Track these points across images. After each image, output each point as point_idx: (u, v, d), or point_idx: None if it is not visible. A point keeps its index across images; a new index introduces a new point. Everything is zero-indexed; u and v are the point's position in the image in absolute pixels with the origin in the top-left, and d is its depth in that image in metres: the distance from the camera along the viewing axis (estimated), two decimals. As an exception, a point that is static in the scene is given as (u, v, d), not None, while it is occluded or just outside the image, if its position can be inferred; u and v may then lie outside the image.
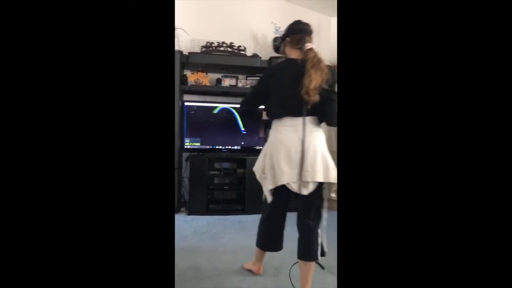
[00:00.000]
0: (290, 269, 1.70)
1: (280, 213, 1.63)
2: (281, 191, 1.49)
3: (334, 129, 3.17)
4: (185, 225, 2.72)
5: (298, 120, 1.44)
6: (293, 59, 1.52)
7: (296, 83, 1.40)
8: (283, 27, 3.24)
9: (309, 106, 1.40)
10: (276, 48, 1.69)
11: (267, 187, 1.49)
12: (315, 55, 1.47)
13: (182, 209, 3.18)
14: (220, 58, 3.13)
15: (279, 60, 1.64)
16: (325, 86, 1.41)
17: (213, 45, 3.16)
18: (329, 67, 1.45)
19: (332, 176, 1.44)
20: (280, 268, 1.87)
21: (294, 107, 1.43)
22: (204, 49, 3.16)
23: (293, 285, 1.63)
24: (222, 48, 3.17)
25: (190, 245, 2.28)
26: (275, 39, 1.69)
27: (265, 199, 1.55)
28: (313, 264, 1.53)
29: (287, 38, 1.58)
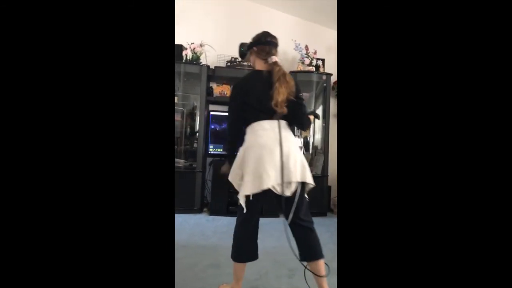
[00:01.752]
0: (305, 270, 1.61)
1: (256, 220, 1.46)
2: (259, 197, 1.36)
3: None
4: (207, 225, 2.69)
5: (275, 123, 1.38)
6: (259, 71, 1.47)
7: (265, 94, 1.36)
8: (302, 43, 3.24)
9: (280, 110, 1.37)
10: (242, 55, 1.61)
11: (248, 192, 1.34)
12: (280, 68, 1.42)
13: (205, 209, 3.16)
14: (243, 72, 3.11)
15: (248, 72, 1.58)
16: (292, 97, 1.37)
17: (237, 60, 3.17)
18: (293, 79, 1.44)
19: (308, 175, 1.38)
20: (295, 270, 1.80)
21: (269, 111, 1.37)
22: (229, 64, 3.17)
23: (308, 285, 1.51)
24: (245, 63, 3.17)
25: (211, 243, 2.24)
26: (242, 45, 1.60)
27: (241, 208, 1.40)
28: (323, 262, 1.42)
29: (254, 48, 1.51)
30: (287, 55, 3.41)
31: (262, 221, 2.87)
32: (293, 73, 3.12)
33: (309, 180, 1.38)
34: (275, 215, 3.01)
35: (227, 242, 2.26)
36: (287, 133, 1.40)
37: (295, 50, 3.26)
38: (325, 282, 1.43)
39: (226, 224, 2.71)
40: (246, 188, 1.35)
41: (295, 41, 3.24)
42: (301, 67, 3.25)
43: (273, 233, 2.52)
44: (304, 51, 3.25)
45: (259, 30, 3.78)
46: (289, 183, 1.33)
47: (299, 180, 1.36)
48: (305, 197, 1.42)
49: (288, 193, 1.33)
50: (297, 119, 1.44)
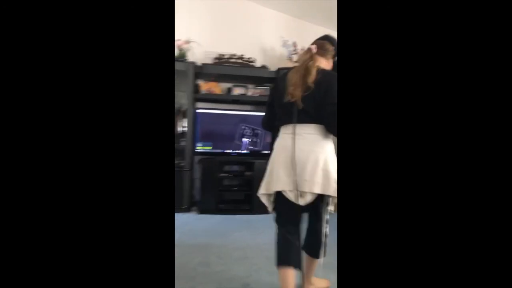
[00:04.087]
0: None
1: (288, 226, 1.39)
2: (283, 201, 1.33)
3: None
4: (196, 223, 2.71)
5: (303, 128, 1.31)
6: (293, 67, 1.42)
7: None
8: (290, 40, 3.28)
9: (295, 102, 1.29)
10: None
11: (261, 191, 1.39)
12: (307, 56, 1.35)
13: (194, 208, 3.17)
14: (231, 68, 3.14)
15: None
16: (310, 85, 1.26)
17: (224, 56, 3.18)
18: (321, 69, 1.32)
19: (332, 189, 1.26)
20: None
21: (291, 114, 1.31)
22: (216, 60, 3.18)
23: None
24: (233, 60, 3.18)
25: (200, 242, 2.26)
26: None
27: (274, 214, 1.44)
28: (316, 261, 1.46)
29: None
30: (275, 51, 3.45)
31: (253, 218, 2.93)
32: (282, 69, 3.16)
33: (332, 193, 1.27)
34: (265, 211, 3.06)
35: (217, 240, 2.30)
36: (318, 140, 1.30)
37: (283, 47, 3.30)
38: (308, 279, 1.50)
39: (216, 223, 2.74)
40: (261, 188, 1.39)
41: (283, 38, 3.27)
42: (290, 65, 3.29)
43: (264, 230, 2.57)
44: (292, 48, 3.29)
45: (246, 26, 3.79)
46: (304, 192, 1.27)
47: (320, 192, 1.27)
48: (327, 210, 1.35)
49: (302, 202, 1.29)
50: (324, 121, 1.29)
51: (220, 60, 3.17)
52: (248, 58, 3.22)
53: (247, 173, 3.17)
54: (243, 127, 3.21)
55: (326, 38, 1.44)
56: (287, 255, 1.37)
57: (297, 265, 1.36)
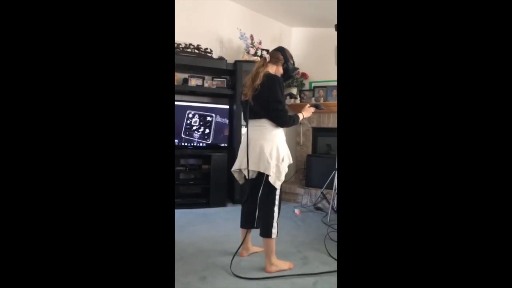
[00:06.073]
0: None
1: (249, 195, 1.79)
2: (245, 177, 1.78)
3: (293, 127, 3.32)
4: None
5: (254, 122, 1.71)
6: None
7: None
8: (248, 33, 3.27)
9: (248, 101, 1.68)
10: None
11: (232, 169, 1.83)
12: (259, 63, 1.71)
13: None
14: (187, 58, 3.04)
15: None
16: (257, 86, 1.61)
17: (180, 46, 3.08)
18: (267, 74, 1.65)
19: (262, 167, 1.63)
20: (242, 257, 1.89)
21: (252, 111, 1.71)
22: (171, 50, 3.07)
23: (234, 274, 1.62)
24: (189, 50, 3.09)
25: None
26: None
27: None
28: (269, 240, 1.66)
29: None
30: (232, 43, 3.42)
31: (209, 211, 2.91)
32: (238, 62, 3.15)
33: (263, 170, 1.64)
34: (222, 204, 3.06)
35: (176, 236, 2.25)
36: (265, 131, 1.67)
37: (240, 39, 3.29)
38: (268, 259, 1.68)
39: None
40: (233, 167, 1.83)
41: (240, 30, 3.26)
42: (246, 57, 3.29)
43: (220, 222, 2.57)
44: (249, 41, 3.29)
45: (203, 16, 3.67)
46: (250, 170, 1.70)
47: (254, 169, 1.68)
48: (270, 184, 1.65)
49: (249, 177, 1.73)
50: (270, 115, 1.66)
51: (176, 50, 3.06)
52: (205, 49, 3.16)
53: (204, 167, 3.13)
54: (190, 115, 3.09)
55: (278, 49, 1.78)
56: (242, 219, 1.85)
57: (246, 227, 1.82)
